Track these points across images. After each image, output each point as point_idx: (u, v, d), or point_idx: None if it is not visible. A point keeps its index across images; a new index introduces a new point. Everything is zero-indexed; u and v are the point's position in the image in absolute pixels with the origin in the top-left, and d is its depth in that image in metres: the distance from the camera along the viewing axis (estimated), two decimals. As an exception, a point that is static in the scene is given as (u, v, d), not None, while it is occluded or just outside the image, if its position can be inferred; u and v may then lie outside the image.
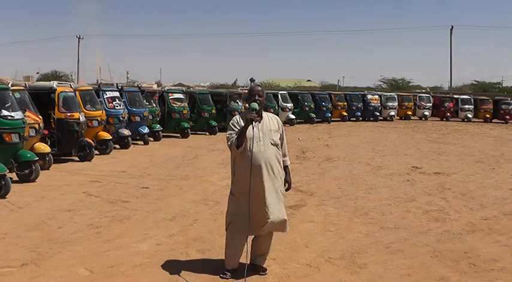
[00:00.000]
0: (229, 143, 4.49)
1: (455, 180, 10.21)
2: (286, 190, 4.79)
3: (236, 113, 18.60)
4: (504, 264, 5.17)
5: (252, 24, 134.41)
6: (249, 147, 4.40)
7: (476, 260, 5.29)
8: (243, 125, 4.44)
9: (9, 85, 10.02)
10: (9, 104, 8.81)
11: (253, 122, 4.38)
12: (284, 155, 4.75)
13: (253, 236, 4.71)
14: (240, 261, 4.67)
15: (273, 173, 4.50)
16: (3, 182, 7.73)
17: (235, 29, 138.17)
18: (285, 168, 4.77)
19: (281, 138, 4.67)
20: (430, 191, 8.94)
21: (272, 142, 4.54)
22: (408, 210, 7.44)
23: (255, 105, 4.45)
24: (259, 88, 4.63)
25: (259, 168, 4.41)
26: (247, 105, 4.64)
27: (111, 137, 13.09)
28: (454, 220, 6.93)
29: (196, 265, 4.95)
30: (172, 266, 4.87)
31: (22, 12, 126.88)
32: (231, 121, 4.61)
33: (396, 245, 5.75)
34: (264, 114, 4.65)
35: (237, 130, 4.46)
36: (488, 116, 31.99)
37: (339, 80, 73.90)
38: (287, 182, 4.78)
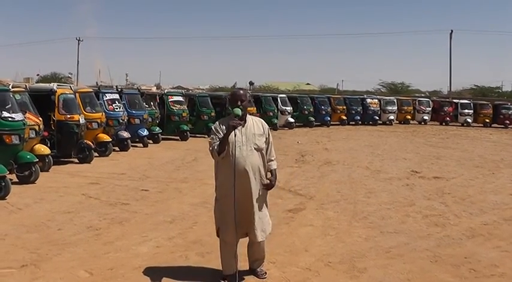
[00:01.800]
0: (210, 148, 4.35)
1: (455, 184, 10.21)
2: (268, 189, 4.56)
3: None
4: (504, 270, 5.16)
5: (251, 27, 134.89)
6: (231, 152, 4.28)
7: (476, 265, 5.29)
8: (224, 130, 4.29)
9: (10, 86, 10.04)
10: (10, 105, 8.83)
11: (236, 128, 4.25)
12: (270, 159, 4.58)
13: (247, 243, 4.66)
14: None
15: (256, 178, 4.38)
16: (3, 184, 7.73)
17: (234, 31, 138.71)
18: (271, 171, 4.60)
19: (267, 142, 4.51)
20: (430, 196, 8.93)
21: (255, 147, 4.39)
22: (408, 215, 7.43)
23: (238, 111, 4.28)
24: (242, 92, 4.45)
25: (241, 173, 4.29)
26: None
27: (110, 139, 13.09)
28: (454, 225, 6.93)
29: (196, 268, 4.94)
30: (172, 269, 4.86)
31: (22, 14, 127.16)
32: (213, 126, 4.47)
33: (396, 249, 5.75)
34: (249, 117, 4.50)
35: (219, 135, 4.31)
36: (487, 120, 31.99)
37: (338, 84, 74.29)
38: (270, 181, 4.54)
